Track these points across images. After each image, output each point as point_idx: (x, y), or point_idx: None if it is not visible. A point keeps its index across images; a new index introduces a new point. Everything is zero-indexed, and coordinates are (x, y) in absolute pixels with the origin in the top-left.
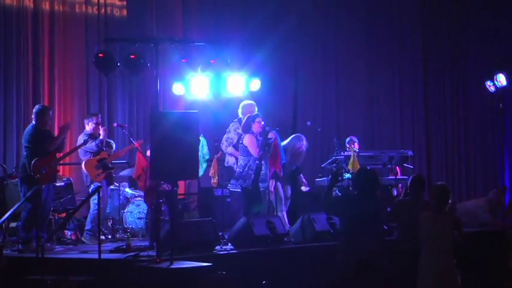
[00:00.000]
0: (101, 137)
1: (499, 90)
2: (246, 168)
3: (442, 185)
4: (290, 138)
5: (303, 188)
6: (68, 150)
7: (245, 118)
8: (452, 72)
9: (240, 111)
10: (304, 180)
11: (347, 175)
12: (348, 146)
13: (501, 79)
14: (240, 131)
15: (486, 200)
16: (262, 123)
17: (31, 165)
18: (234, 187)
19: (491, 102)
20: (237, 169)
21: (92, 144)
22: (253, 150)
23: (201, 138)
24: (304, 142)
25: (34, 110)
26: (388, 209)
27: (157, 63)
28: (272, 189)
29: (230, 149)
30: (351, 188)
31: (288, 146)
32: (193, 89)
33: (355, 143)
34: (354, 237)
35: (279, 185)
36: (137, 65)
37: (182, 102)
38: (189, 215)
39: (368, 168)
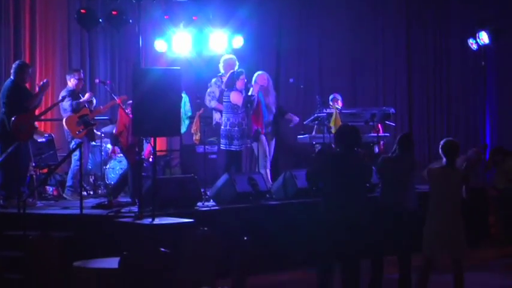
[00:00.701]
0: (84, 99)
1: (481, 48)
2: (229, 126)
3: (452, 141)
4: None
5: (294, 120)
6: (48, 106)
7: (228, 74)
8: (435, 30)
9: (221, 66)
10: (291, 115)
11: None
12: (331, 103)
13: (483, 37)
14: (223, 86)
15: (464, 158)
16: (245, 80)
17: (11, 122)
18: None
19: (473, 60)
20: (222, 127)
21: (67, 103)
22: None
23: (183, 95)
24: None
25: (13, 65)
26: (373, 167)
27: (140, 19)
28: (254, 146)
29: (214, 103)
30: (333, 145)
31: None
32: (175, 46)
33: (339, 101)
34: (338, 195)
35: (263, 141)
36: (119, 21)
37: (164, 59)
38: (171, 172)
39: (350, 124)
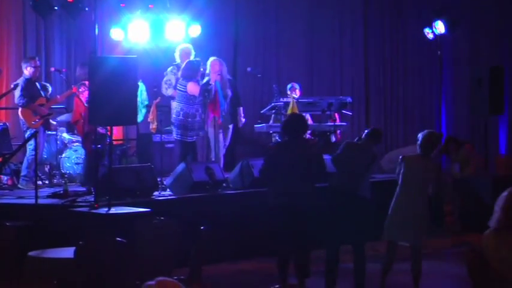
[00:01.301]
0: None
1: (438, 37)
2: (182, 116)
3: (431, 132)
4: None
5: (240, 122)
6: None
7: (184, 63)
8: (392, 19)
9: (177, 55)
10: (241, 116)
11: None
12: (289, 92)
13: (439, 26)
14: (179, 75)
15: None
16: (202, 69)
17: None
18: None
19: (429, 49)
20: (174, 116)
21: (17, 94)
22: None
23: (140, 84)
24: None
25: None
26: (327, 155)
27: (96, 7)
28: (211, 135)
29: (170, 91)
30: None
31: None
32: (132, 34)
33: (297, 90)
34: (283, 182)
35: (219, 130)
36: (75, 9)
37: (121, 47)
38: (128, 161)
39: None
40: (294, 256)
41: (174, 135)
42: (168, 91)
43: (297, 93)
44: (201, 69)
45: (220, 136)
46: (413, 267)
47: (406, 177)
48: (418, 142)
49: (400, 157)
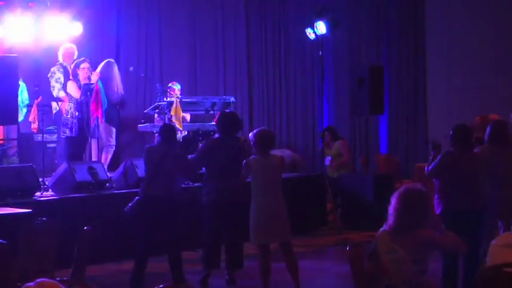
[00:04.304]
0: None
1: (319, 37)
2: (70, 115)
3: (265, 130)
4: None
5: None
6: None
7: (73, 63)
8: (274, 19)
9: (60, 54)
10: None
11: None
12: (168, 91)
13: (321, 27)
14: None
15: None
16: (88, 68)
17: None
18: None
19: (311, 49)
20: (63, 115)
21: None
22: (75, 95)
23: (21, 83)
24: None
25: None
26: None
27: None
28: (95, 136)
29: (62, 93)
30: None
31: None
32: (12, 33)
33: (176, 89)
34: (214, 179)
35: (103, 130)
36: None
37: (1, 46)
38: (8, 161)
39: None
40: (228, 249)
41: (61, 134)
42: (60, 93)
43: (176, 92)
44: (86, 69)
45: (103, 135)
46: (289, 264)
47: (255, 179)
48: (252, 142)
49: (244, 161)
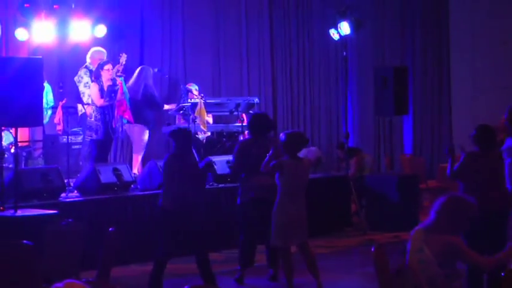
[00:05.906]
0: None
1: (343, 38)
2: (93, 119)
3: (299, 133)
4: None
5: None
6: None
7: (96, 66)
8: (298, 20)
9: (88, 57)
10: None
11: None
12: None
13: (344, 27)
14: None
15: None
16: (112, 69)
17: None
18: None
19: (335, 49)
20: (88, 118)
21: None
22: (96, 99)
23: (46, 85)
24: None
25: None
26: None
27: None
28: (121, 135)
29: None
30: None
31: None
32: (37, 35)
33: (192, 90)
34: (254, 177)
35: (133, 129)
36: None
37: (26, 48)
38: (34, 163)
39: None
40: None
41: (86, 137)
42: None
43: (194, 93)
44: (111, 71)
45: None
46: (309, 262)
47: (285, 181)
48: (283, 142)
49: (276, 161)
